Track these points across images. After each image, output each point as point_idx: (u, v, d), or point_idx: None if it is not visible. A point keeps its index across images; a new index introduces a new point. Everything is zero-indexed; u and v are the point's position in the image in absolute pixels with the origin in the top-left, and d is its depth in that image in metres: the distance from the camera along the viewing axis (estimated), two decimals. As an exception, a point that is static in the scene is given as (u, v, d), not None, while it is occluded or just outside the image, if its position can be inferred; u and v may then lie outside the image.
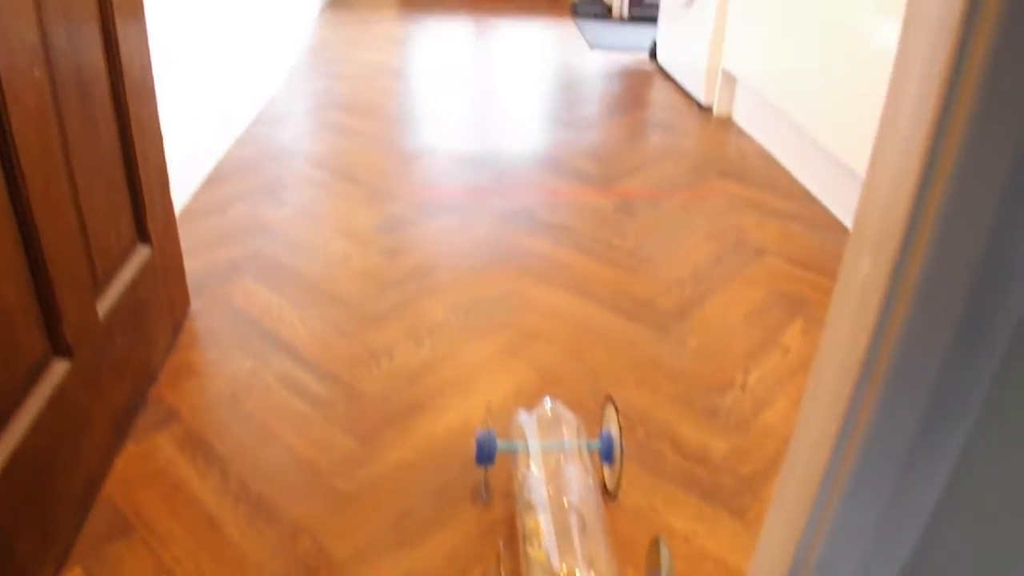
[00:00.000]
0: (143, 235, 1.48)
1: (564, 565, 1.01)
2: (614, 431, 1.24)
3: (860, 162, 2.00)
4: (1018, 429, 0.60)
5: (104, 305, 1.29)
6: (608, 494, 1.26)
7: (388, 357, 1.58)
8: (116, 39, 1.32)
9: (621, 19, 4.49)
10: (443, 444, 1.36)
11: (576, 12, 4.67)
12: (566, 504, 1.11)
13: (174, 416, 1.41)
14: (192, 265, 1.85)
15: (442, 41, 4.12)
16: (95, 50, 1.27)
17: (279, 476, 1.29)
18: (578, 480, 1.17)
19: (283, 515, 1.21)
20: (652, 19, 3.70)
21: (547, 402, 1.28)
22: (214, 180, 2.34)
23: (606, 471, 1.28)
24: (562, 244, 2.04)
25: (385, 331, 1.66)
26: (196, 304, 1.72)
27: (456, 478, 1.29)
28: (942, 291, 0.56)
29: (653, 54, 3.71)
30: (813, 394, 0.65)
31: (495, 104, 3.20)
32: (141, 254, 1.46)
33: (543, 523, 1.08)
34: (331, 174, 2.42)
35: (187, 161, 2.17)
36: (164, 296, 1.55)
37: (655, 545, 1.03)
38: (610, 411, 1.26)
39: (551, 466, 1.18)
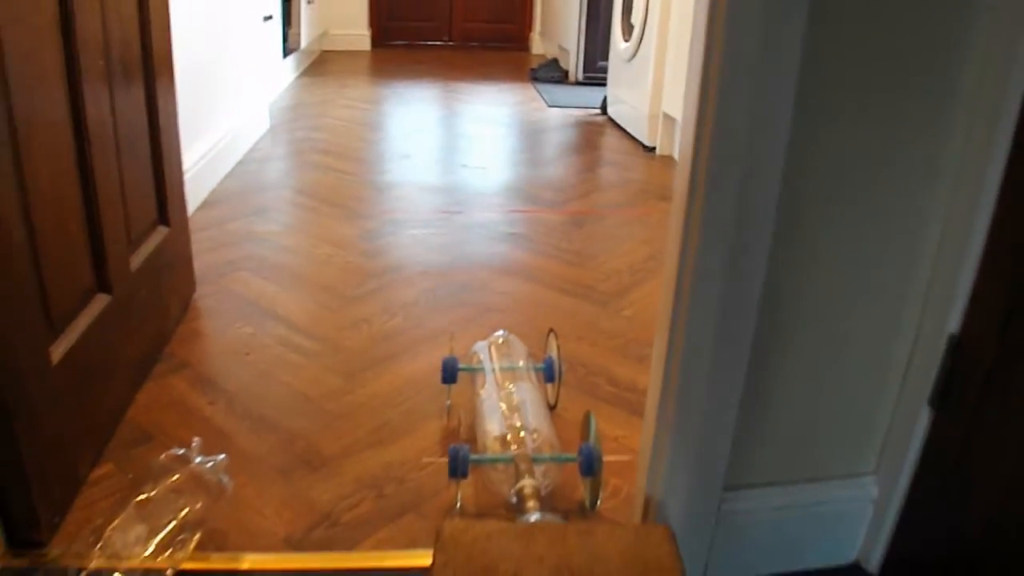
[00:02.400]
0: (163, 217, 1.76)
1: (511, 427, 1.28)
2: (555, 355, 1.52)
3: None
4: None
5: (135, 261, 1.56)
6: (552, 409, 1.53)
7: (367, 324, 1.85)
8: (149, 21, 1.63)
9: (577, 82, 4.90)
10: (414, 380, 1.63)
11: (535, 77, 5.08)
12: (516, 401, 1.39)
13: (186, 365, 1.67)
14: (194, 265, 2.12)
15: (412, 102, 4.48)
16: (134, 40, 1.57)
17: (278, 403, 1.55)
18: (527, 391, 1.44)
19: (282, 427, 1.47)
20: (605, 82, 4.08)
21: (500, 332, 1.56)
22: (207, 205, 2.62)
23: (549, 390, 1.55)
24: (518, 248, 2.35)
25: (365, 307, 1.94)
26: (200, 290, 1.99)
27: (424, 402, 1.56)
28: (721, 198, 0.88)
29: (604, 108, 4.09)
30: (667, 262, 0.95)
31: (461, 148, 3.54)
32: (161, 231, 1.74)
33: (496, 404, 1.35)
34: (314, 200, 2.72)
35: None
36: (176, 273, 1.83)
37: (585, 418, 1.30)
38: (552, 341, 1.55)
39: (504, 382, 1.46)
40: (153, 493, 1.10)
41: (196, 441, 1.21)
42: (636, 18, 3.47)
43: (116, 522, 1.05)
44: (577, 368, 1.69)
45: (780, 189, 0.92)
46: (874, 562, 1.18)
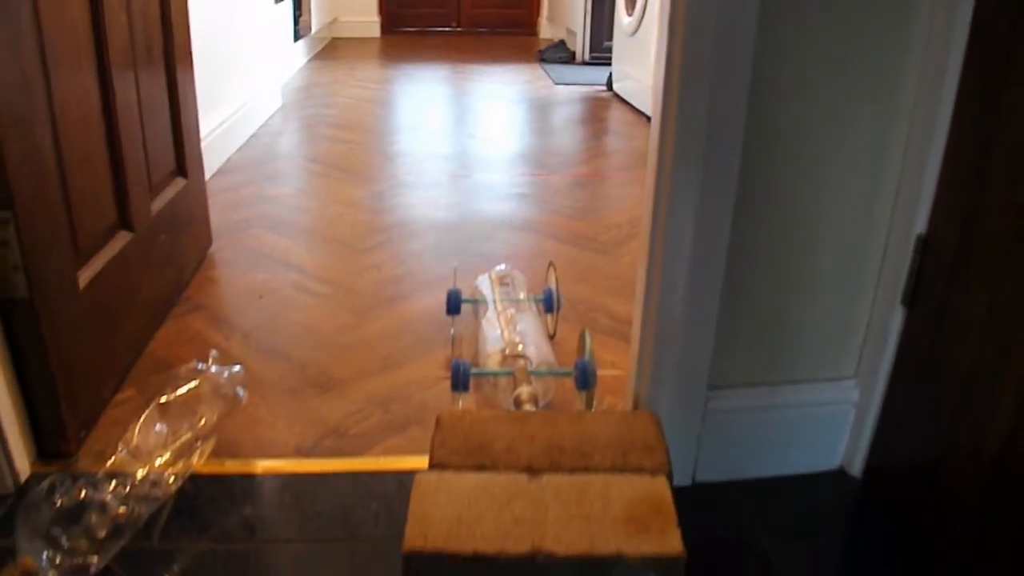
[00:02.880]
0: (181, 169, 1.84)
1: (511, 343, 1.35)
2: (554, 287, 1.59)
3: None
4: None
5: (155, 206, 1.64)
6: (551, 338, 1.60)
7: (376, 270, 1.93)
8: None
9: (583, 62, 4.96)
10: (420, 317, 1.70)
11: (542, 58, 5.15)
12: (516, 326, 1.46)
13: (202, 307, 1.75)
14: (210, 224, 2.20)
15: (421, 82, 4.56)
16: (154, 9, 1.65)
17: (291, 337, 1.62)
18: (527, 318, 1.51)
19: (295, 357, 1.55)
20: (611, 61, 4.14)
21: (501, 266, 1.63)
22: (222, 173, 2.70)
23: (548, 320, 1.62)
24: (523, 206, 2.42)
25: (374, 256, 2.01)
26: (215, 245, 2.07)
27: (430, 335, 1.63)
28: (693, 105, 0.94)
29: (609, 84, 4.15)
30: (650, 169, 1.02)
31: (469, 121, 3.62)
32: (179, 183, 1.82)
33: (496, 327, 1.42)
34: (324, 166, 2.80)
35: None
36: (193, 223, 1.91)
37: (581, 336, 1.37)
38: (551, 273, 1.62)
39: (506, 311, 1.53)
40: (173, 397, 1.17)
41: (213, 354, 1.28)
42: (639, -8, 3.54)
43: (140, 421, 1.12)
44: (577, 305, 1.76)
45: (749, 93, 0.99)
46: (857, 467, 1.24)
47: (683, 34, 0.97)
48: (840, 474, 1.26)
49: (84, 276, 1.32)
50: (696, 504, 1.19)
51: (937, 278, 1.06)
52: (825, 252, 1.13)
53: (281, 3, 4.08)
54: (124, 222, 1.50)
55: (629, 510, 0.88)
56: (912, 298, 1.10)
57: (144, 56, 1.58)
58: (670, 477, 0.95)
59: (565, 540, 0.84)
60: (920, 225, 1.07)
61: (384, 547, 1.09)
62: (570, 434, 1.01)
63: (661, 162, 1.04)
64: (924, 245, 1.07)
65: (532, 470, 0.95)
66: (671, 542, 0.84)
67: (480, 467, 0.95)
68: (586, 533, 0.85)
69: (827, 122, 1.05)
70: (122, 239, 1.49)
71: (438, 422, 1.03)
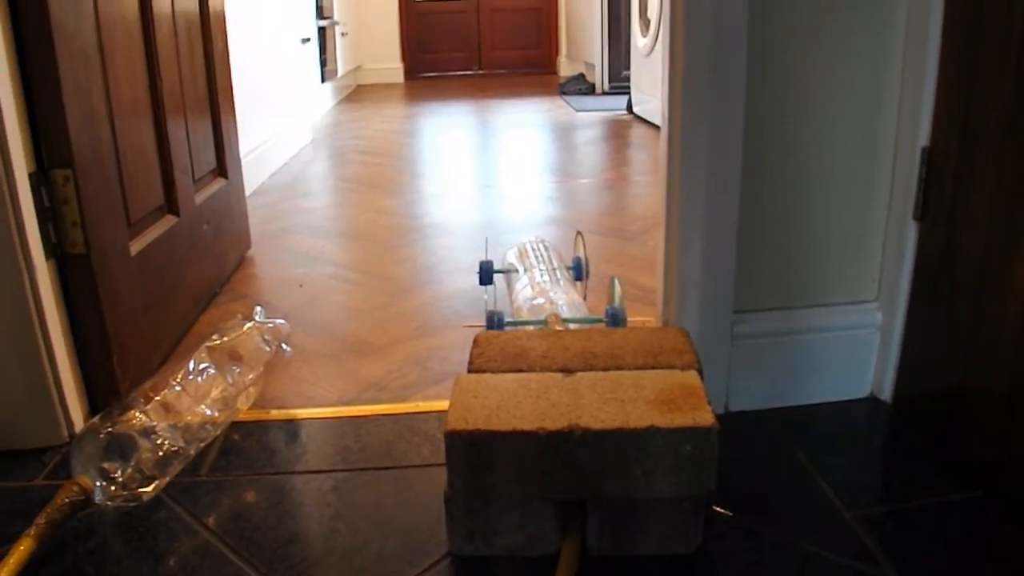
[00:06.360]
0: (222, 171, 1.93)
1: (543, 292, 1.40)
2: (582, 255, 1.64)
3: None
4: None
5: (198, 198, 1.72)
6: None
7: (411, 261, 2.00)
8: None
9: (603, 92, 5.07)
10: (454, 295, 1.76)
11: (563, 91, 5.27)
12: (550, 293, 1.50)
13: (244, 296, 1.82)
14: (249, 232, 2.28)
15: (447, 115, 4.69)
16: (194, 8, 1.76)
17: (330, 314, 1.68)
18: (558, 289, 1.55)
19: (334, 329, 1.61)
20: (629, 90, 4.23)
21: (530, 237, 1.68)
22: (257, 194, 2.79)
23: (578, 287, 1.67)
24: (551, 206, 2.49)
25: (407, 252, 2.08)
26: (255, 249, 2.15)
27: (464, 308, 1.69)
28: (700, 25, 1.01)
29: (629, 108, 4.24)
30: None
31: (495, 143, 3.71)
32: (220, 182, 1.90)
33: (529, 287, 1.47)
34: (357, 184, 2.89)
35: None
36: (233, 221, 1.99)
37: (610, 283, 1.42)
38: (579, 241, 1.67)
39: (536, 272, 1.58)
40: (222, 342, 1.23)
41: (258, 308, 1.34)
42: (652, 13, 3.64)
43: (189, 359, 1.18)
44: (605, 279, 1.80)
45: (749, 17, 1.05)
46: (887, 392, 1.27)
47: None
48: (872, 400, 1.29)
49: (135, 247, 1.40)
50: (731, 430, 1.22)
51: (944, 187, 1.10)
52: (837, 171, 1.17)
53: (308, 44, 4.23)
54: (170, 206, 1.58)
55: (661, 395, 0.92)
56: (923, 211, 1.14)
57: (187, 56, 1.68)
58: (700, 375, 0.99)
59: (601, 417, 0.88)
60: (924, 138, 1.12)
61: (429, 474, 1.13)
62: (602, 343, 1.05)
63: (673, 81, 1.09)
64: (929, 156, 1.12)
65: (567, 370, 0.99)
66: (703, 415, 0.88)
67: (517, 371, 1.00)
68: (621, 412, 0.89)
69: (832, 34, 1.11)
70: (168, 221, 1.56)
71: (475, 340, 1.08)
